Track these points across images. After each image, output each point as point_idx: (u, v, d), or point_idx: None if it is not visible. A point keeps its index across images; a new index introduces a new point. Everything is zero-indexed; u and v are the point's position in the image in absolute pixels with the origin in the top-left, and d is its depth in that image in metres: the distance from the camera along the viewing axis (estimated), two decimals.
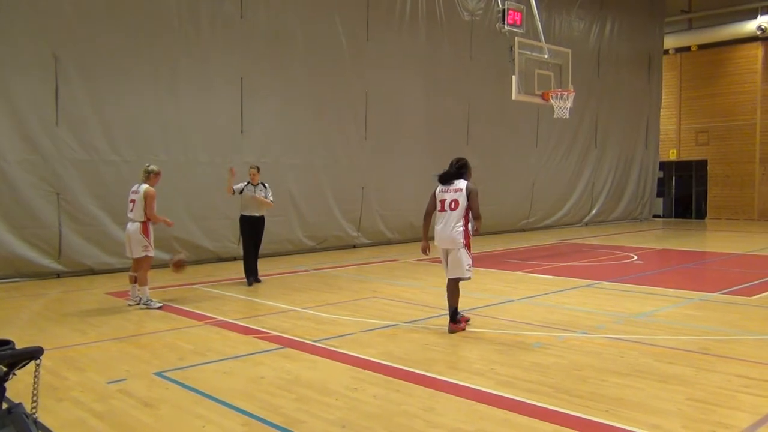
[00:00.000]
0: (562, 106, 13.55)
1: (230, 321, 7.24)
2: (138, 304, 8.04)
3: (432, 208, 6.86)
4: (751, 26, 20.94)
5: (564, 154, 19.70)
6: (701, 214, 23.44)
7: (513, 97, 12.92)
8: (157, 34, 11.46)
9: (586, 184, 20.41)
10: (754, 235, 17.40)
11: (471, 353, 5.80)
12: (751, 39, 21.40)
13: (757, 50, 21.65)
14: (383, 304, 8.23)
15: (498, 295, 8.72)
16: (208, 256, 12.33)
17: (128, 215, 8.19)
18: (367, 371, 5.25)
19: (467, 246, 6.58)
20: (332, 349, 5.96)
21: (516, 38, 12.90)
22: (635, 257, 12.65)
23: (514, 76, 12.62)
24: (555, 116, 13.74)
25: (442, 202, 6.70)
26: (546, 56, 13.42)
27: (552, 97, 13.34)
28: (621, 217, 21.68)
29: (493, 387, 4.82)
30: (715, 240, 17.72)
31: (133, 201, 8.10)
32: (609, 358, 5.57)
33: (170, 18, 11.63)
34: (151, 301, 7.99)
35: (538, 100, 13.51)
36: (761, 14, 20.85)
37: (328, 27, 13.95)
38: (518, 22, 12.86)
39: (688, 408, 4.35)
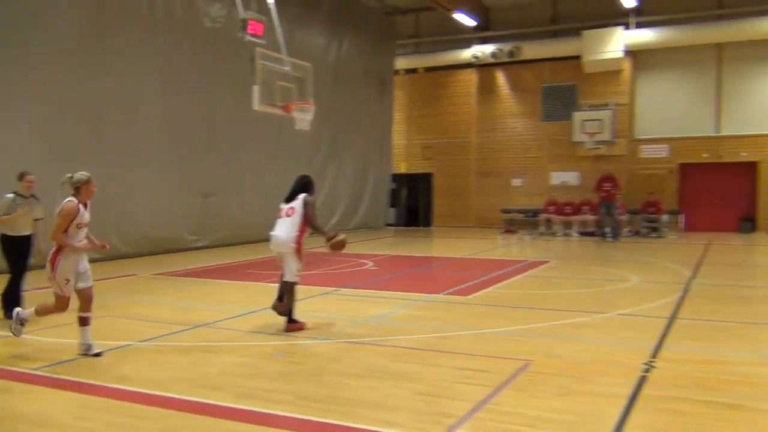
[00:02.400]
0: (303, 118, 13.93)
1: None
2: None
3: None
4: (467, 54, 23.57)
5: (305, 165, 20.16)
6: (428, 223, 25.66)
7: (254, 108, 12.93)
8: None
9: (326, 194, 21.14)
10: (471, 241, 19.49)
11: (211, 368, 5.66)
12: (467, 65, 24.04)
13: (473, 76, 24.37)
14: (117, 322, 7.68)
15: (240, 306, 8.64)
16: None
17: None
18: (96, 397, 4.85)
19: (298, 252, 7.03)
20: (55, 377, 5.40)
21: (257, 49, 12.96)
22: (370, 264, 13.41)
23: (255, 87, 12.65)
24: (296, 128, 14.07)
25: (281, 210, 7.25)
26: (287, 69, 13.68)
27: (293, 110, 13.63)
28: (358, 226, 22.85)
29: (233, 401, 4.75)
30: (439, 246, 19.56)
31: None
32: (348, 362, 5.82)
33: None
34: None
35: (279, 112, 13.71)
36: (475, 44, 23.56)
37: (58, 29, 12.63)
38: (259, 33, 12.94)
39: (416, 402, 4.71)
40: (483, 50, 23.29)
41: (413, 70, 25.35)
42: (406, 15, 24.38)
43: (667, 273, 12.07)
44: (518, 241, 19.72)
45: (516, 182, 23.84)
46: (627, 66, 22.05)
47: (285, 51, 13.95)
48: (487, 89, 24.27)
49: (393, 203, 25.61)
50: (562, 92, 22.70)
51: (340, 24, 21.41)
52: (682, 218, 21.29)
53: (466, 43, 23.78)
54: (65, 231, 5.89)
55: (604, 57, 21.45)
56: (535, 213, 22.37)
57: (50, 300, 6.14)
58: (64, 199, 5.97)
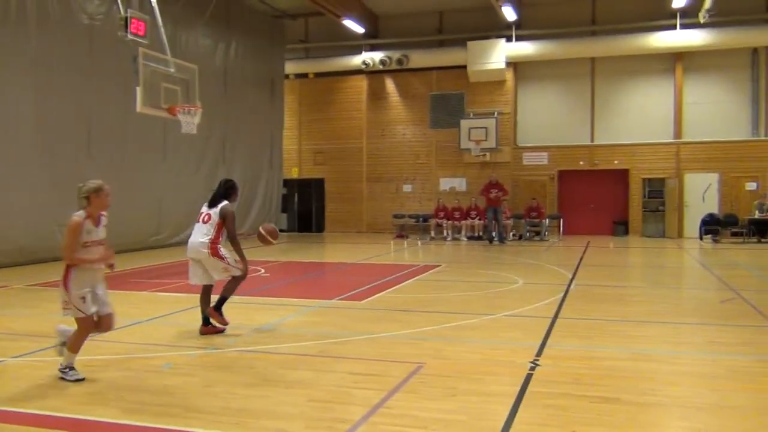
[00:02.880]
0: (190, 121, 13.51)
1: None
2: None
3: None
4: (357, 60, 23.75)
5: (193, 169, 19.60)
6: (320, 228, 25.60)
7: (138, 110, 12.42)
8: None
9: None
10: (363, 246, 19.62)
11: (95, 385, 5.35)
12: (358, 72, 24.22)
13: (363, 82, 24.59)
14: None
15: (124, 317, 8.24)
16: None
17: None
18: None
19: (215, 254, 7.04)
20: None
21: (140, 49, 12.46)
22: (262, 270, 13.20)
23: (138, 88, 12.16)
24: (183, 131, 13.63)
25: (200, 214, 7.20)
26: (171, 70, 13.24)
27: (179, 112, 13.20)
28: (249, 232, 22.42)
29: (119, 416, 4.52)
30: (332, 251, 19.55)
31: None
32: (239, 371, 5.69)
33: None
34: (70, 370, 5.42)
35: (164, 114, 13.24)
36: (365, 51, 23.79)
37: None
38: (142, 32, 12.45)
39: (309, 409, 4.67)
40: (372, 57, 23.56)
41: (304, 75, 25.25)
42: (296, 19, 24.25)
43: (550, 275, 12.65)
44: (409, 245, 20.06)
45: (406, 188, 24.25)
46: (510, 76, 23.00)
47: (168, 52, 13.48)
48: (377, 96, 24.56)
49: (284, 209, 25.36)
50: (449, 100, 23.36)
51: (228, 26, 20.97)
52: (561, 222, 22.43)
53: (356, 50, 23.98)
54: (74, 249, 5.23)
55: (488, 67, 22.28)
56: (425, 218, 22.84)
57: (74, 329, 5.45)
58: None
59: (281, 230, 24.76)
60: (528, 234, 21.24)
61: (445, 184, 23.66)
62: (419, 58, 23.32)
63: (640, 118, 22.15)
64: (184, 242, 20.15)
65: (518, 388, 5.13)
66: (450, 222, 21.92)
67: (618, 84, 22.43)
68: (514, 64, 22.86)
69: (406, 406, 4.72)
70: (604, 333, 7.42)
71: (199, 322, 7.33)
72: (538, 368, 5.73)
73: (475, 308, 8.86)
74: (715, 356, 6.37)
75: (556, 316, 8.21)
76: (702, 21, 19.36)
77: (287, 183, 25.31)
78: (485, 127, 22.15)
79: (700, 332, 7.55)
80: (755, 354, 6.48)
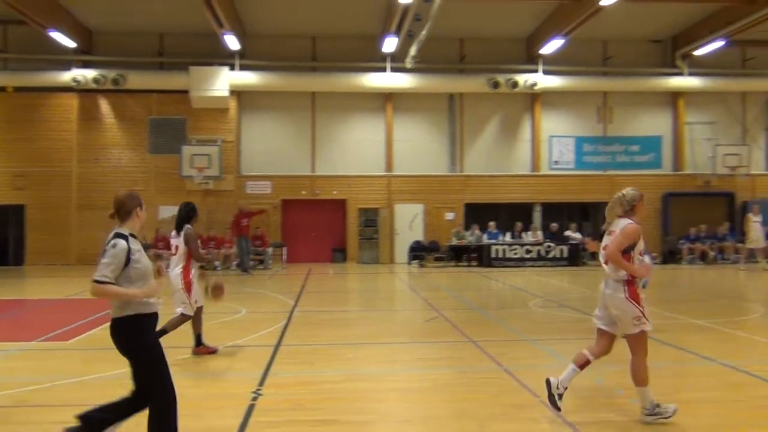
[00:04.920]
0: None
1: None
2: None
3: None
4: (67, 77, 21.76)
5: None
6: (19, 261, 22.76)
7: None
8: None
9: None
10: (71, 280, 17.88)
11: None
12: (67, 89, 22.17)
13: (74, 100, 22.60)
14: None
15: None
16: None
17: None
18: None
19: (186, 288, 7.55)
20: None
21: None
22: None
23: None
24: None
25: (172, 245, 7.78)
26: None
27: None
28: None
29: None
30: (34, 286, 17.48)
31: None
32: None
33: None
34: None
35: None
36: (76, 67, 21.95)
37: None
38: None
39: None
40: (85, 75, 21.78)
41: (2, 89, 22.44)
42: None
43: (273, 303, 12.79)
44: None
45: None
46: (233, 105, 22.99)
47: None
48: (89, 116, 22.74)
49: None
50: (170, 125, 22.55)
51: None
52: (285, 251, 22.87)
53: (66, 65, 22.01)
54: None
55: (212, 94, 22.03)
56: (146, 247, 21.49)
57: None
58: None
59: None
60: (252, 263, 21.26)
61: (165, 212, 22.68)
62: (138, 80, 22.16)
63: (356, 151, 23.64)
64: None
65: (240, 420, 5.08)
66: (169, 252, 20.98)
67: (337, 118, 23.73)
68: (238, 93, 22.92)
69: None
70: (325, 357, 7.70)
71: None
72: (260, 398, 5.73)
73: None
74: (423, 371, 6.99)
75: (279, 344, 8.31)
76: (408, 66, 21.47)
77: None
78: (208, 154, 21.77)
79: (410, 350, 8.23)
80: (455, 367, 7.24)
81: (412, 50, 20.28)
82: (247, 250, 20.14)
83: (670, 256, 22.32)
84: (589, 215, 24.11)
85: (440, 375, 6.80)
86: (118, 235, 4.29)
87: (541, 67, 23.02)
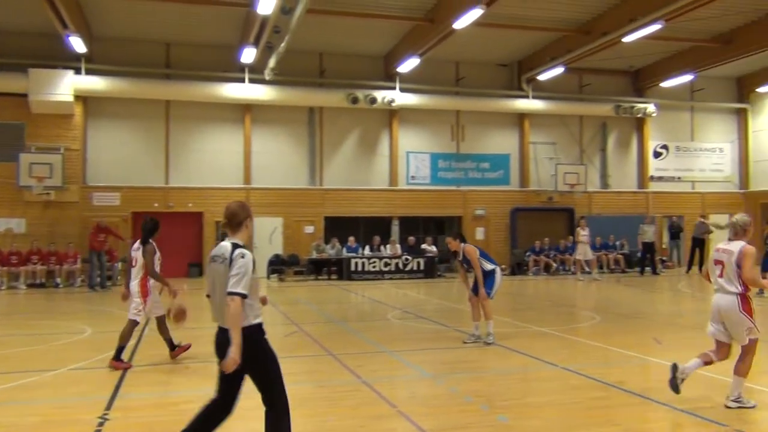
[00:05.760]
0: None
1: None
2: None
3: None
4: None
5: None
6: None
7: None
8: None
9: None
10: None
11: None
12: None
13: None
14: None
15: None
16: None
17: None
18: None
19: (142, 296, 8.14)
20: None
21: None
22: None
23: None
24: None
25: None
26: None
27: None
28: None
29: None
30: None
31: None
32: None
33: None
34: None
35: None
36: None
37: None
38: None
39: None
40: None
41: None
42: None
43: (121, 321, 12.04)
44: None
45: None
46: (79, 111, 21.56)
47: None
48: None
49: None
50: (6, 131, 20.76)
51: None
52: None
53: None
54: None
55: (53, 99, 20.53)
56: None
57: None
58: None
59: None
60: (98, 279, 20.00)
61: (0, 224, 20.83)
62: None
63: (213, 162, 22.96)
64: None
65: None
66: (6, 268, 19.31)
67: (193, 128, 22.95)
68: (84, 98, 21.53)
69: None
70: (179, 377, 7.38)
71: None
72: (107, 422, 5.38)
73: (36, 364, 7.95)
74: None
75: (127, 366, 7.85)
76: (267, 78, 21.25)
77: None
78: (50, 163, 20.23)
79: None
80: (315, 381, 7.21)
81: (272, 62, 20.12)
82: (101, 267, 18.96)
83: (517, 268, 23.62)
84: (444, 229, 25.02)
85: (300, 389, 6.73)
86: (238, 246, 4.46)
87: (398, 85, 23.64)
